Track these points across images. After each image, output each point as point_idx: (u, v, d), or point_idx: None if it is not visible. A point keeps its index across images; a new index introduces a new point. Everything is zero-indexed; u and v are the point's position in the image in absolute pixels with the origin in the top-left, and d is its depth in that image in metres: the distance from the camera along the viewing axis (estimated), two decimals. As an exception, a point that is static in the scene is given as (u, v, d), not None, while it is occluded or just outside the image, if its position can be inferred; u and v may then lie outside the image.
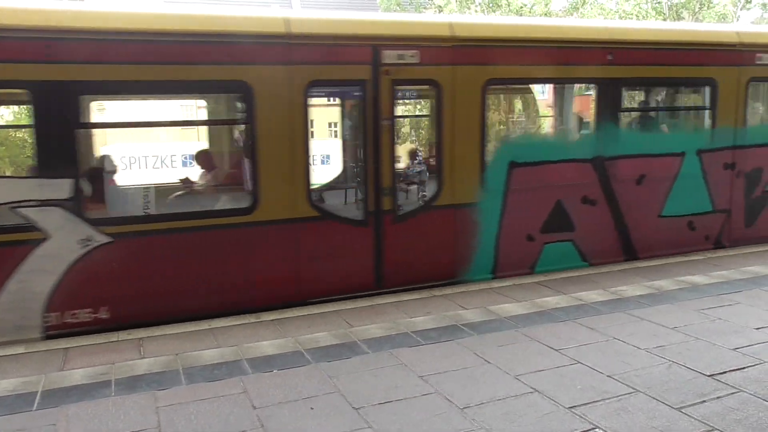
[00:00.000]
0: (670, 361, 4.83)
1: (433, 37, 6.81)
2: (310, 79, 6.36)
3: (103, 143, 9.63)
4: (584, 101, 10.57)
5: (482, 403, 4.20)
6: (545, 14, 24.72)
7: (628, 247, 8.07)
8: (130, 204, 6.49)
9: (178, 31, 5.89)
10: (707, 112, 8.38)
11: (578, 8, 26.33)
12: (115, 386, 4.57)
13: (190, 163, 13.66)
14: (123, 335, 5.62)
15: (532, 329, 5.59)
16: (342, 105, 9.69)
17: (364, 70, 6.56)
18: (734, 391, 4.30)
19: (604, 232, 7.85)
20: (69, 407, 4.25)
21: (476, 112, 7.01)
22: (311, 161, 6.67)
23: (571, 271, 7.52)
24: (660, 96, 9.47)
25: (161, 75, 5.95)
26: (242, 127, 7.34)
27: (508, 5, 24.44)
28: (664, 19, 25.09)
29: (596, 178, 7.70)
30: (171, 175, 12.75)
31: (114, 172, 7.49)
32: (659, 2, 25.94)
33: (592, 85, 8.01)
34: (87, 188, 6.13)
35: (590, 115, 8.27)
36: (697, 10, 25.86)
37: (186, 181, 8.11)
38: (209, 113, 9.65)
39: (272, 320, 5.99)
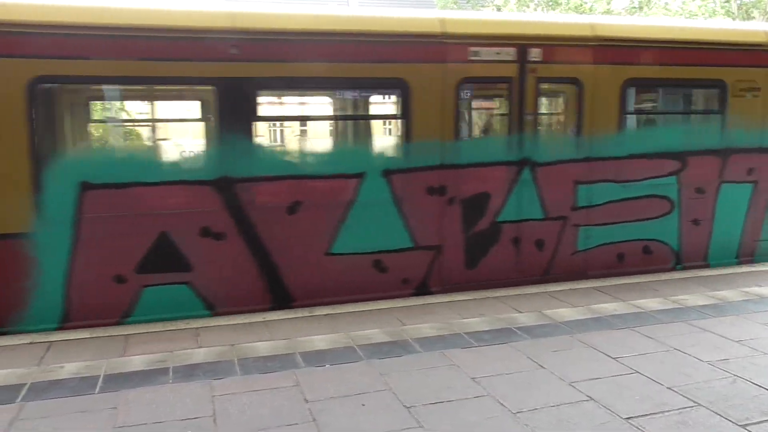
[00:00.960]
0: (734, 375, 4.64)
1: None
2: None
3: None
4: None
5: (535, 409, 4.14)
6: (606, 12, 24.10)
7: (280, 291, 6.42)
8: None
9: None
10: (400, 122, 6.68)
11: (642, 8, 25.59)
12: (173, 374, 4.70)
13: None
14: (181, 324, 5.80)
15: (587, 335, 5.48)
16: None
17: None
18: (804, 409, 4.10)
19: (239, 274, 6.26)
20: (129, 392, 4.40)
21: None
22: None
23: (627, 278, 7.29)
24: (335, 103, 7.61)
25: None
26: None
27: (567, 3, 23.96)
28: (734, 20, 24.12)
29: (222, 205, 6.12)
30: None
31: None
32: (727, 1, 24.95)
33: (211, 87, 6.11)
34: None
35: (210, 125, 6.55)
36: (768, 9, 24.77)
37: None
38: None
39: (325, 315, 6.06)
